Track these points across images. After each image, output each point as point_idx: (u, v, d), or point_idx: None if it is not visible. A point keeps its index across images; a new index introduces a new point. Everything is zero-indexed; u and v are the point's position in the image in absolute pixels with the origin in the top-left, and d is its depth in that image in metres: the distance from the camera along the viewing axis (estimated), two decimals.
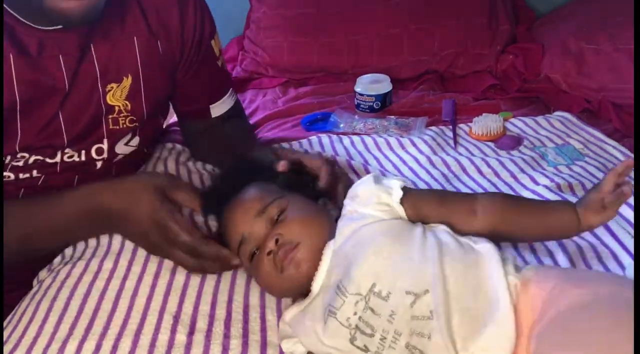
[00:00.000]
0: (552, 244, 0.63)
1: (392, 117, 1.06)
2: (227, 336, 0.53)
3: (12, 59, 0.60)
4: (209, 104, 0.82)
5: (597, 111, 1.03)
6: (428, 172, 0.83)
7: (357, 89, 1.12)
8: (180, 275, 0.60)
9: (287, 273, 0.52)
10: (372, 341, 0.45)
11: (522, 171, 0.81)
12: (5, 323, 0.59)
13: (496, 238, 0.52)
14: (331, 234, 0.54)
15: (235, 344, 0.52)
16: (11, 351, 0.53)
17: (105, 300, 0.58)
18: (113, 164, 0.73)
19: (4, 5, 0.59)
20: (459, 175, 0.82)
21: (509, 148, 0.90)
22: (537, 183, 0.77)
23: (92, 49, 0.65)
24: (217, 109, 0.83)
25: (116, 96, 0.68)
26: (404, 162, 0.87)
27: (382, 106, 1.11)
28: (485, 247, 0.48)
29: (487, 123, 0.95)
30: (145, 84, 0.70)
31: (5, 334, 0.56)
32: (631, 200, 0.70)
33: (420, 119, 1.03)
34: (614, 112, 0.99)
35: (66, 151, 0.67)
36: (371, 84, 1.12)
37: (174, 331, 0.54)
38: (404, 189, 0.55)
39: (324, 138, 0.98)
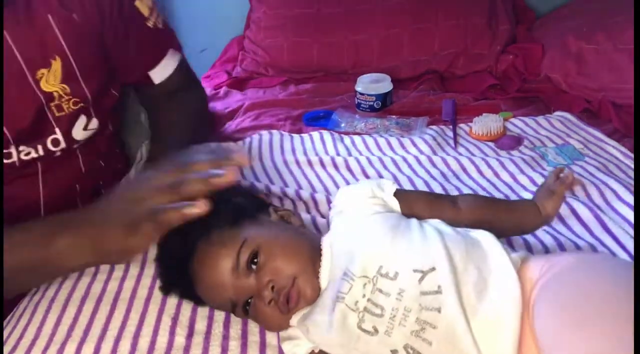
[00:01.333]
0: (551, 244, 0.63)
1: (393, 117, 1.06)
2: (226, 337, 0.53)
3: None
4: (147, 70, 0.77)
5: (597, 111, 1.03)
6: (428, 171, 0.83)
7: (358, 88, 1.12)
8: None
9: (297, 309, 0.50)
10: (381, 321, 0.45)
11: (522, 171, 0.81)
12: (4, 324, 0.59)
13: None
14: (311, 243, 0.53)
15: (234, 345, 0.52)
16: (10, 352, 0.53)
17: (104, 302, 0.58)
18: (79, 150, 0.71)
19: None
20: (459, 175, 0.82)
21: (509, 148, 0.90)
22: (536, 184, 0.77)
23: (8, 37, 0.61)
24: (158, 74, 0.78)
25: (50, 81, 0.64)
26: (405, 160, 0.87)
27: (383, 106, 1.11)
28: (482, 233, 0.50)
29: (487, 123, 0.95)
30: (78, 63, 0.66)
31: (4, 335, 0.56)
32: (631, 200, 0.70)
33: (421, 119, 1.03)
34: (614, 112, 0.99)
35: (21, 148, 0.65)
36: (372, 84, 1.12)
37: (172, 333, 0.54)
38: (397, 190, 0.56)
39: (326, 135, 0.98)
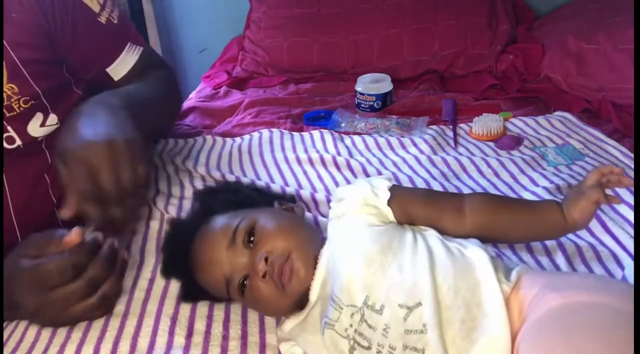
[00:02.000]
0: (551, 244, 0.63)
1: (393, 116, 1.06)
2: (225, 337, 0.53)
3: None
4: (103, 67, 0.74)
5: (597, 111, 1.03)
6: (428, 171, 0.83)
7: (358, 88, 1.12)
8: (176, 282, 0.60)
9: (290, 288, 0.49)
10: None
11: (522, 171, 0.81)
12: (4, 326, 0.58)
13: (486, 239, 0.51)
14: (310, 230, 0.53)
15: (233, 345, 0.52)
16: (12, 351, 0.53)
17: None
18: (44, 144, 0.69)
19: None
20: (459, 174, 0.82)
21: (509, 148, 0.90)
22: (536, 184, 0.77)
23: None
24: (118, 71, 0.75)
25: None
26: (405, 161, 0.87)
27: (383, 106, 1.11)
28: (477, 254, 0.47)
29: (487, 123, 0.95)
30: (24, 62, 0.63)
31: (4, 337, 0.56)
32: (631, 200, 0.70)
33: (421, 119, 1.03)
34: (614, 112, 0.99)
35: None
36: (372, 84, 1.12)
37: (172, 333, 0.53)
38: (392, 188, 0.53)
39: (326, 134, 0.98)
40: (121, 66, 0.75)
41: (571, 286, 0.43)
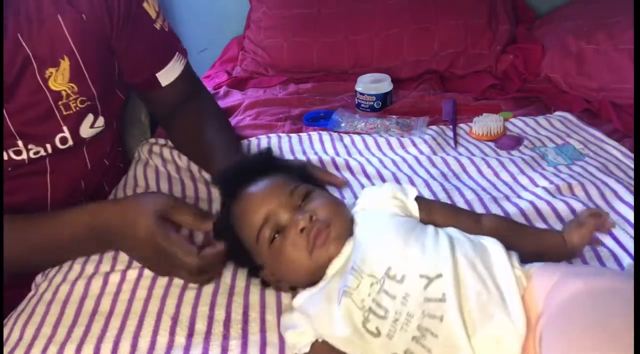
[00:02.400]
0: None
1: (393, 116, 1.06)
2: (226, 337, 0.53)
3: None
4: (154, 72, 0.77)
5: (597, 111, 1.03)
6: (427, 171, 0.83)
7: (358, 88, 1.12)
8: (177, 281, 0.60)
9: (317, 253, 0.51)
10: (384, 324, 0.46)
11: (522, 171, 0.81)
12: (3, 322, 0.59)
13: None
14: (350, 218, 0.55)
15: (234, 345, 0.52)
16: (9, 353, 0.53)
17: (102, 303, 0.58)
18: (85, 148, 0.71)
19: None
20: (459, 174, 0.82)
21: (509, 148, 0.90)
22: (536, 185, 0.77)
23: (20, 37, 0.61)
24: (165, 77, 0.78)
25: (58, 80, 0.65)
26: (405, 160, 0.87)
27: (383, 106, 1.11)
28: (492, 243, 0.50)
29: (487, 123, 0.95)
30: (86, 62, 0.67)
31: (4, 334, 0.56)
32: (631, 200, 0.70)
33: (421, 119, 1.03)
34: (614, 112, 0.99)
35: (30, 147, 0.66)
36: (372, 84, 1.12)
37: (172, 333, 0.54)
38: (417, 197, 0.58)
39: (325, 135, 0.98)
40: (170, 73, 0.79)
41: (592, 273, 0.46)
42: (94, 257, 0.64)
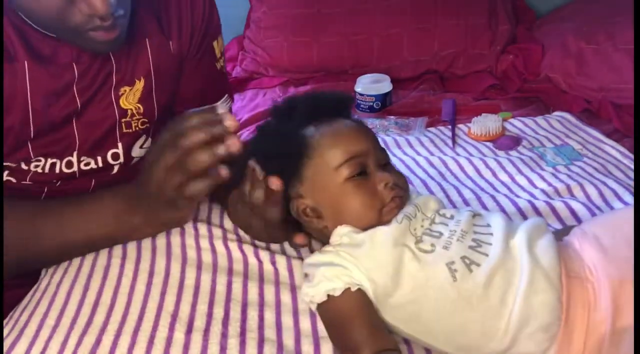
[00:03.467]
0: None
1: (392, 117, 1.06)
2: (224, 335, 0.53)
3: (26, 66, 0.58)
4: (201, 106, 0.80)
5: (597, 111, 1.03)
6: (425, 171, 0.83)
7: (357, 89, 1.13)
8: (174, 278, 0.60)
9: (383, 212, 0.52)
10: (439, 240, 0.50)
11: (520, 171, 0.81)
12: (7, 319, 0.59)
13: None
14: None
15: (233, 343, 0.52)
16: (14, 341, 0.53)
17: (103, 297, 0.58)
18: (129, 170, 0.72)
19: (18, 13, 0.57)
20: (457, 175, 0.82)
21: (508, 148, 0.90)
22: (534, 186, 0.77)
23: (110, 54, 0.64)
24: None
25: (129, 99, 0.67)
26: (402, 161, 0.87)
27: (382, 106, 1.11)
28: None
29: (485, 123, 0.95)
30: (157, 86, 0.69)
31: (7, 328, 0.56)
32: (630, 200, 0.70)
33: (420, 119, 1.03)
34: (614, 112, 0.99)
35: (82, 158, 0.67)
36: (371, 84, 1.12)
37: (172, 329, 0.54)
38: None
39: None
40: None
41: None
42: (90, 255, 0.64)
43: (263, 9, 1.35)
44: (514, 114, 1.03)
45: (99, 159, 0.68)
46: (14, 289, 0.64)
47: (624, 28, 1.06)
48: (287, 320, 0.55)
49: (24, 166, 0.64)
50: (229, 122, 0.50)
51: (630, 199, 0.70)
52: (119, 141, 0.68)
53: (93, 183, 0.70)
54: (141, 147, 0.72)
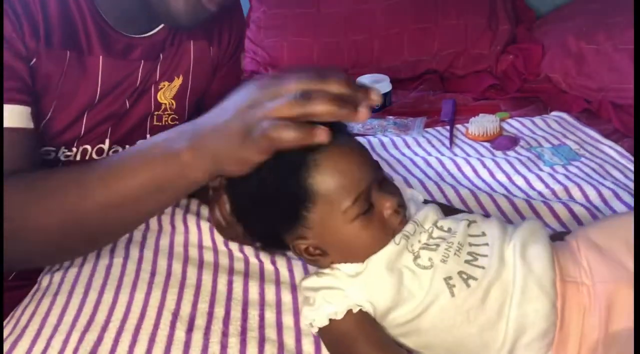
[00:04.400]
0: None
1: (391, 117, 1.06)
2: (225, 334, 0.54)
3: (101, 60, 0.62)
4: None
5: (597, 111, 1.03)
6: (423, 171, 0.84)
7: None
8: (175, 278, 0.61)
9: (387, 238, 0.49)
10: (437, 253, 0.49)
11: (518, 171, 0.82)
12: (8, 318, 0.60)
13: None
14: None
15: (233, 342, 0.53)
16: (15, 340, 0.54)
17: (105, 296, 0.58)
18: None
19: (98, 10, 0.61)
20: (455, 175, 0.83)
21: (505, 148, 0.90)
22: (532, 187, 0.77)
23: (160, 53, 0.67)
24: None
25: (165, 94, 0.70)
26: (399, 161, 0.88)
27: (382, 106, 1.12)
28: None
29: (483, 123, 0.95)
30: (192, 86, 0.72)
31: (9, 327, 0.57)
32: (629, 200, 0.70)
33: (419, 119, 1.03)
34: (614, 112, 0.99)
35: (113, 146, 0.68)
36: (371, 84, 1.12)
37: (173, 327, 0.54)
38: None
39: None
40: None
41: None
42: (91, 255, 0.65)
43: (263, 8, 1.36)
44: (514, 114, 1.03)
45: (127, 147, 0.68)
46: (13, 291, 0.65)
47: (624, 28, 1.06)
48: (288, 319, 0.55)
49: (53, 155, 0.63)
50: (374, 97, 0.45)
51: (629, 199, 0.70)
52: (148, 132, 0.70)
53: None
54: None
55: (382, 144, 0.95)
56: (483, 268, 0.48)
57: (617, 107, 1.01)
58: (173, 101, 0.70)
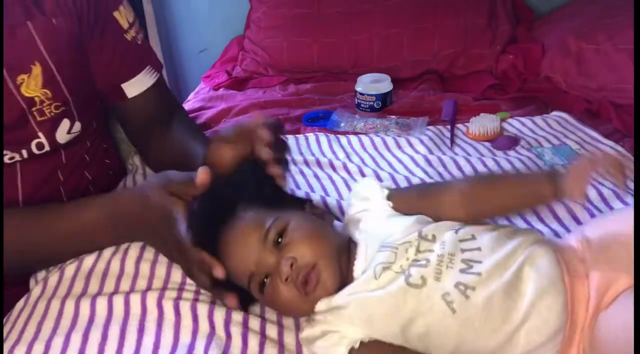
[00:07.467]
0: None
1: (393, 116, 1.06)
2: (229, 336, 0.53)
3: None
4: (119, 82, 0.75)
5: (597, 111, 1.03)
6: (424, 171, 0.84)
7: (358, 88, 1.13)
8: (175, 275, 0.60)
9: (314, 295, 0.50)
10: (428, 271, 0.48)
11: (518, 171, 0.81)
12: (4, 319, 0.59)
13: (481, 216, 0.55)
14: (339, 238, 0.54)
15: (234, 344, 0.52)
16: (14, 344, 0.54)
17: (99, 301, 0.58)
18: (64, 152, 0.71)
19: None
20: (455, 174, 0.82)
21: (506, 148, 0.90)
22: None
23: None
24: (132, 89, 0.76)
25: (31, 86, 0.64)
26: (400, 161, 0.88)
27: (383, 106, 1.12)
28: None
29: (484, 123, 0.95)
30: (58, 68, 0.66)
31: (6, 329, 0.57)
32: (631, 200, 0.70)
33: (420, 119, 1.03)
34: (614, 112, 0.99)
35: (5, 152, 0.65)
36: (372, 84, 1.12)
37: (177, 332, 0.54)
38: (390, 191, 0.57)
39: (321, 136, 0.98)
40: (137, 85, 0.77)
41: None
42: (92, 256, 0.64)
43: (263, 9, 1.36)
44: (514, 114, 1.03)
45: (24, 152, 0.67)
46: (12, 288, 0.64)
47: (624, 28, 1.06)
48: (289, 320, 0.55)
49: None
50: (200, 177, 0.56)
51: (629, 199, 0.70)
52: (37, 130, 0.67)
53: (19, 173, 0.68)
54: (69, 132, 0.70)
55: (385, 143, 0.95)
56: (479, 274, 0.47)
57: (617, 107, 1.01)
58: (46, 91, 0.65)
